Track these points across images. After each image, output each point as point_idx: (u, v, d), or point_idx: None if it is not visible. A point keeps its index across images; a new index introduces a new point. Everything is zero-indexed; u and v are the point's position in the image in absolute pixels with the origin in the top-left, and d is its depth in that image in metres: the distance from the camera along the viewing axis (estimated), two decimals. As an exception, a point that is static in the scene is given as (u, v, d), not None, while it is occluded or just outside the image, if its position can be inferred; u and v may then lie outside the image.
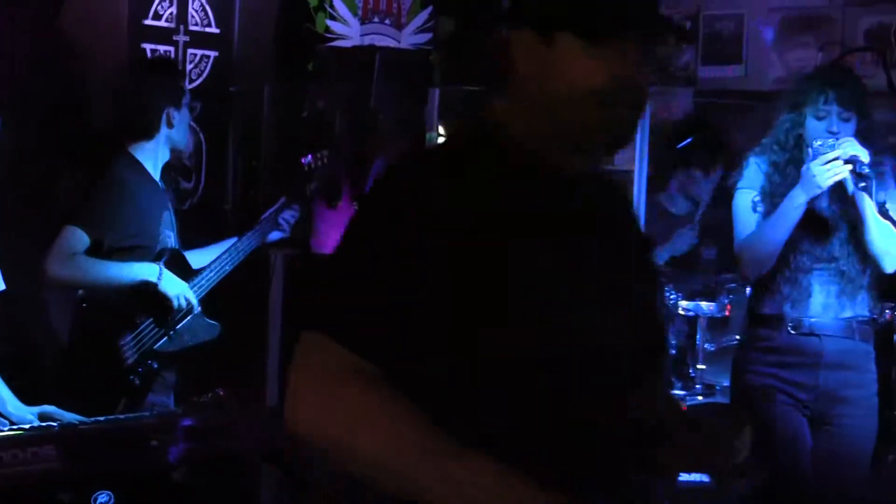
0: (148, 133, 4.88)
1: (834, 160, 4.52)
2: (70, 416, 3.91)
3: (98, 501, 3.62)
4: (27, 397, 4.01)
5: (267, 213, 5.28)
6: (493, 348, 2.02)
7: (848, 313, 4.69)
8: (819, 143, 4.59)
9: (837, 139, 4.59)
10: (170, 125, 4.89)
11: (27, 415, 3.88)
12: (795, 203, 4.58)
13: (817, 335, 4.68)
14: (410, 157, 2.34)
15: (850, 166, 4.53)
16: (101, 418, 4.01)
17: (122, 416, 4.11)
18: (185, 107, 4.96)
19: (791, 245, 4.65)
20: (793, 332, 4.68)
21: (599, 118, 2.09)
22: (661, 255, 6.20)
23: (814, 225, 4.66)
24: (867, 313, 4.74)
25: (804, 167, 4.61)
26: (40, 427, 3.74)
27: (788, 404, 4.69)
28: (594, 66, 2.06)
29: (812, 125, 4.69)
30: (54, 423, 3.77)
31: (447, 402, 2.02)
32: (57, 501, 3.60)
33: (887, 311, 5.05)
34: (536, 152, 2.15)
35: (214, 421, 3.98)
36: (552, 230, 2.12)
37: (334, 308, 2.05)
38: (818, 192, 4.56)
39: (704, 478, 2.37)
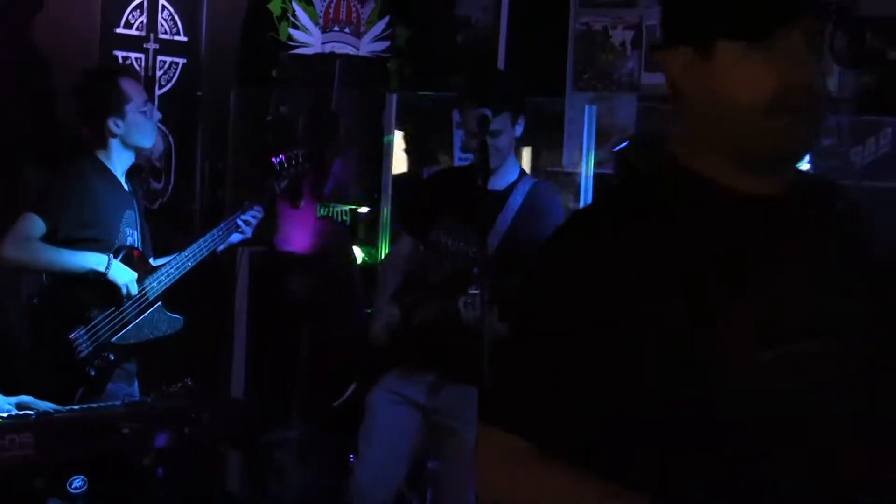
0: (100, 143, 4.89)
1: None
2: (45, 406, 3.92)
3: (73, 486, 3.64)
4: (4, 388, 4.02)
5: (230, 218, 5.23)
6: (690, 402, 1.82)
7: None
8: None
9: None
10: (112, 134, 4.86)
11: (5, 404, 3.89)
12: None
13: None
14: (575, 216, 2.10)
15: None
16: (76, 407, 4.03)
17: (94, 405, 4.12)
18: (136, 113, 4.87)
19: None
20: None
21: (774, 129, 1.85)
22: None
23: None
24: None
25: None
26: (17, 416, 3.74)
27: None
28: (760, 72, 1.83)
29: None
30: (31, 412, 3.79)
31: (636, 468, 1.87)
32: (34, 486, 3.62)
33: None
34: (715, 178, 1.91)
35: (183, 410, 3.99)
36: (741, 262, 1.86)
37: (504, 397, 1.95)
38: None
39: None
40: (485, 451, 1.96)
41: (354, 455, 5.03)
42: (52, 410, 3.87)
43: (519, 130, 4.73)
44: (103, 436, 3.80)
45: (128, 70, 6.05)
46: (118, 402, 4.18)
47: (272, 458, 6.51)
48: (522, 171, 4.91)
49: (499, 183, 4.74)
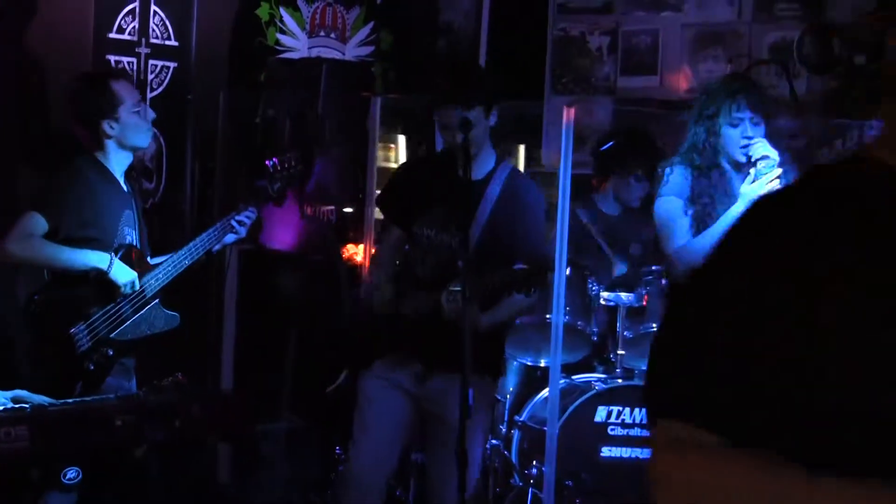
0: (97, 145, 4.89)
1: (775, 180, 4.55)
2: (40, 399, 3.91)
3: (67, 477, 3.63)
4: (0, 382, 4.01)
5: (226, 218, 5.22)
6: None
7: None
8: (763, 164, 4.58)
9: (752, 141, 4.62)
10: (107, 136, 4.87)
11: (1, 398, 3.88)
12: None
13: None
14: (758, 206, 1.83)
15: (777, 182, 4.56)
16: (70, 401, 4.02)
17: (88, 399, 4.11)
18: (129, 113, 4.88)
19: None
20: None
21: None
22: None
23: None
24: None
25: (745, 187, 4.61)
26: (13, 409, 3.73)
27: None
28: None
29: (728, 133, 4.71)
30: (26, 406, 3.78)
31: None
32: (30, 477, 3.61)
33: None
34: None
35: (174, 403, 3.99)
36: None
37: (682, 388, 1.77)
38: None
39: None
40: (665, 447, 1.77)
41: (342, 447, 5.03)
42: (46, 404, 3.86)
43: (493, 120, 4.74)
44: (97, 428, 3.79)
45: (119, 72, 6.04)
46: (111, 396, 4.17)
47: (261, 449, 6.50)
48: (499, 158, 4.90)
49: (477, 172, 4.74)
